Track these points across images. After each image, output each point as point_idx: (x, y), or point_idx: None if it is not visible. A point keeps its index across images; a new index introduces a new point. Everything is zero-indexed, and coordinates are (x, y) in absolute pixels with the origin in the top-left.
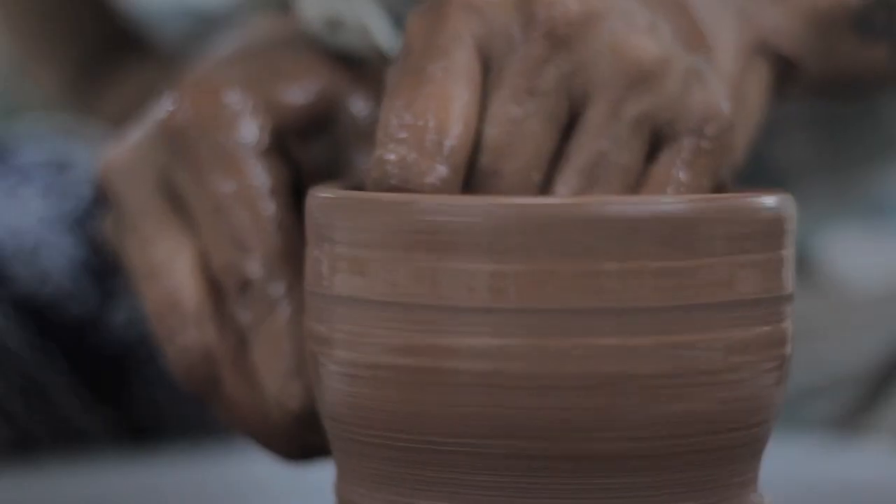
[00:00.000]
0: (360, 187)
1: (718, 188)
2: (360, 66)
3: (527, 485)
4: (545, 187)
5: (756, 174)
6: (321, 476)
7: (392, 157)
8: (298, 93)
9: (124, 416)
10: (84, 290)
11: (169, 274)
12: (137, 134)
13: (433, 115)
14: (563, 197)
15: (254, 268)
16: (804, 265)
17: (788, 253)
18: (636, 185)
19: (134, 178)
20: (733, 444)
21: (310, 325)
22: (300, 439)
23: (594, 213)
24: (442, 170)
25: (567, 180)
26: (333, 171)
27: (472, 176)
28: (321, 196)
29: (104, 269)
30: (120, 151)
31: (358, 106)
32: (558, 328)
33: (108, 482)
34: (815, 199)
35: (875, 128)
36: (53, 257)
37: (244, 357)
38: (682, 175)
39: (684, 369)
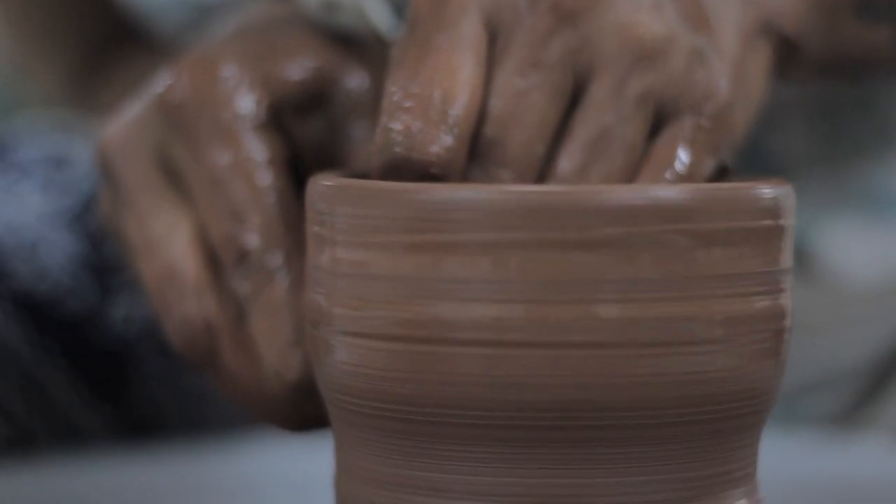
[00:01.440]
0: (361, 175)
1: (719, 167)
2: (357, 45)
3: (530, 456)
4: (548, 161)
5: (754, 166)
6: (320, 471)
7: (397, 125)
8: (295, 69)
9: (123, 412)
10: (83, 286)
11: (167, 247)
12: (135, 109)
13: (439, 85)
14: (565, 171)
15: (251, 239)
16: (802, 258)
17: (788, 237)
18: (638, 161)
19: (131, 153)
20: (734, 414)
21: (310, 297)
22: (299, 410)
23: (593, 200)
24: (447, 139)
25: (570, 155)
26: (329, 148)
27: (476, 147)
28: (322, 184)
29: (103, 266)
30: (117, 127)
31: (354, 83)
32: (558, 300)
33: (107, 479)
34: (814, 192)
35: (873, 120)
36: (52, 254)
37: (243, 329)
38: (683, 154)
39: (684, 340)
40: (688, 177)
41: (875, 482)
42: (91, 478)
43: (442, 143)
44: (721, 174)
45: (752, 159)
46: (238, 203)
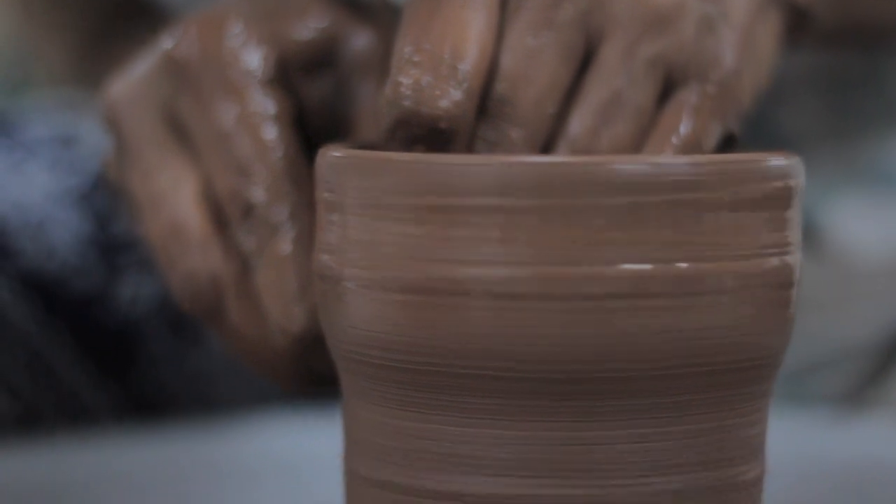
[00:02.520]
0: (370, 146)
1: (726, 135)
2: (365, 6)
3: (541, 407)
4: (559, 122)
5: (763, 140)
6: (327, 451)
7: (407, 80)
8: (302, 28)
9: (130, 391)
10: (90, 265)
11: (172, 202)
12: (142, 66)
13: (450, 40)
14: (577, 134)
15: (257, 193)
16: (810, 234)
17: (796, 204)
18: (647, 127)
19: (137, 110)
20: (741, 370)
21: (321, 254)
22: (303, 365)
23: (603, 171)
24: (456, 94)
25: (582, 118)
26: (336, 108)
27: (486, 105)
28: (332, 154)
29: (111, 245)
30: (124, 83)
31: (361, 43)
32: (567, 261)
33: (114, 457)
34: (822, 168)
35: (883, 95)
36: (59, 232)
37: (248, 283)
38: (690, 121)
39: (692, 297)
40: (694, 144)
41: (883, 461)
42: (97, 456)
43: (451, 97)
44: (728, 142)
45: (761, 134)
46: (244, 157)
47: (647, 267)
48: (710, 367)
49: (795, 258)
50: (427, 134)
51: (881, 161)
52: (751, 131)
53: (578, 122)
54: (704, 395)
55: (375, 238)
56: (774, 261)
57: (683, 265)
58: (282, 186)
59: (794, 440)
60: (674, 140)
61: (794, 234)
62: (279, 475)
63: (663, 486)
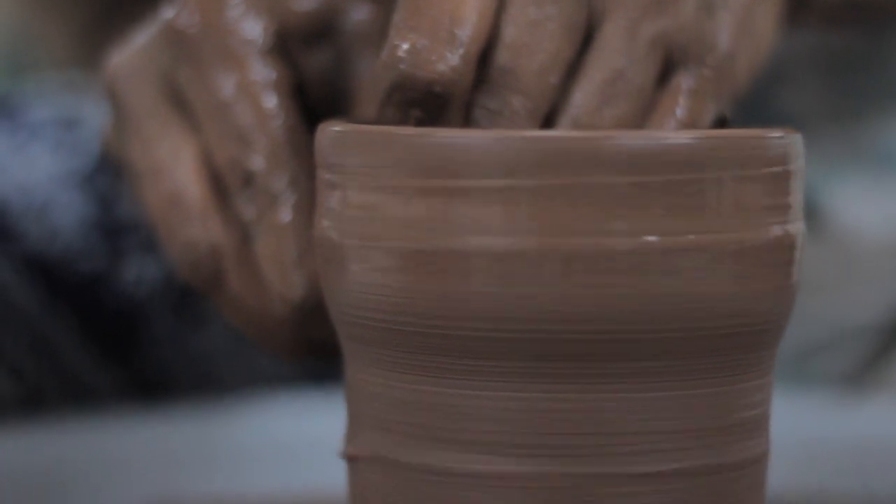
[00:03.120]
0: (370, 122)
1: (718, 118)
2: None
3: (544, 371)
4: (561, 97)
5: (765, 121)
6: (329, 432)
7: (404, 43)
8: (302, 0)
9: (133, 373)
10: (93, 247)
11: (172, 172)
12: (143, 38)
13: (448, 6)
14: (580, 112)
15: (257, 161)
16: (812, 216)
17: (798, 177)
18: (647, 107)
19: (137, 80)
20: (747, 332)
21: (322, 220)
22: (303, 333)
23: (604, 147)
24: (452, 59)
25: (585, 96)
26: (336, 81)
27: (489, 75)
28: (332, 130)
29: (114, 227)
30: (124, 55)
31: (361, 15)
32: (570, 228)
33: (117, 439)
34: (824, 149)
35: (885, 76)
36: (63, 214)
37: (248, 252)
38: (688, 104)
39: (696, 261)
40: (690, 126)
41: (886, 442)
42: (100, 438)
43: (447, 61)
44: (719, 124)
45: (762, 114)
46: (244, 126)
47: (651, 237)
48: (712, 332)
49: (797, 227)
50: (422, 98)
51: (883, 142)
52: (752, 112)
53: (581, 100)
54: (709, 360)
55: (376, 210)
56: (776, 229)
57: (686, 234)
58: (281, 155)
59: (797, 422)
60: (672, 123)
61: (796, 205)
62: (281, 457)
63: (667, 456)
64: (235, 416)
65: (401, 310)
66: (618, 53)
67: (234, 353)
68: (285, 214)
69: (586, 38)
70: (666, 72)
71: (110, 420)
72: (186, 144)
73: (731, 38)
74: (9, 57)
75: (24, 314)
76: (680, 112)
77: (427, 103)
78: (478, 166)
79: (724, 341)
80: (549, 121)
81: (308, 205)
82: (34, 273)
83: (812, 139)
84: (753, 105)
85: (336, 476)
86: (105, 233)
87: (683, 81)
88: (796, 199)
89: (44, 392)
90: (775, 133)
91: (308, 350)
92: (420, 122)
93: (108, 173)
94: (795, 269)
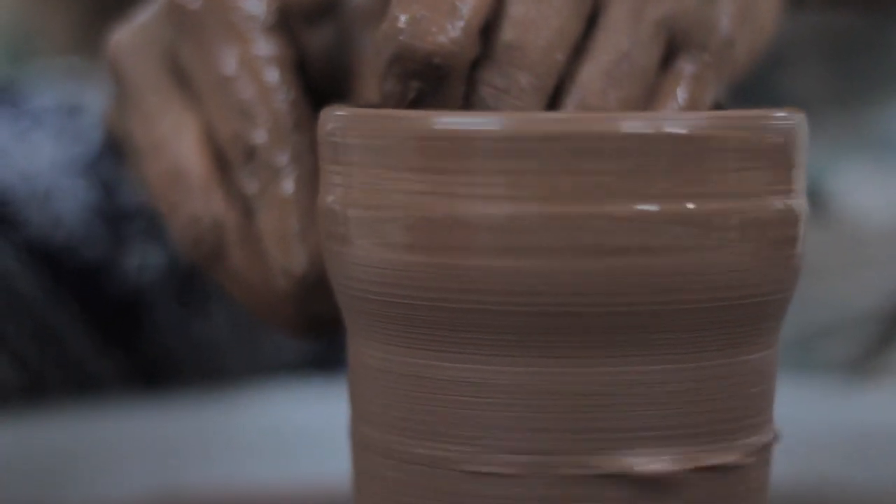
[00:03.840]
0: (372, 105)
1: (714, 103)
2: None
3: (549, 343)
4: (566, 77)
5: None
6: (333, 420)
7: (404, 14)
8: None
9: (136, 360)
10: (96, 234)
11: (174, 147)
12: (146, 15)
13: None
14: (587, 94)
15: (259, 135)
16: (815, 200)
17: (800, 156)
18: (650, 91)
19: (140, 56)
20: (751, 303)
21: (326, 194)
22: (306, 308)
23: (608, 128)
24: (453, 31)
25: (591, 77)
26: (338, 59)
27: (494, 51)
28: (335, 113)
29: (117, 214)
30: (127, 31)
31: None
32: (572, 200)
33: (120, 426)
34: (828, 133)
35: (888, 61)
36: (66, 201)
37: (250, 227)
38: (689, 89)
39: (700, 232)
40: (690, 111)
41: (891, 428)
42: (103, 425)
43: (448, 33)
44: (716, 109)
45: (766, 98)
46: (246, 100)
47: (654, 207)
48: (712, 305)
49: (800, 202)
50: (422, 69)
51: (887, 126)
52: (755, 96)
53: (587, 81)
54: (710, 333)
55: (379, 186)
56: (779, 204)
57: (689, 205)
58: (284, 129)
59: (801, 408)
60: (673, 107)
61: (799, 183)
62: (283, 444)
63: (671, 431)
64: (238, 403)
65: (403, 282)
66: (623, 35)
67: (237, 340)
68: (288, 188)
69: (590, 20)
70: (667, 56)
71: (113, 407)
72: (188, 120)
73: (731, 24)
74: (11, 45)
75: (27, 301)
76: (681, 97)
77: (427, 75)
78: (480, 151)
79: (724, 313)
80: (553, 100)
81: (310, 179)
82: (37, 260)
83: (815, 124)
84: (756, 89)
85: (339, 463)
86: (108, 220)
87: (685, 66)
88: (799, 177)
89: (46, 379)
90: (779, 113)
91: (310, 326)
92: (420, 95)
93: (111, 160)
94: (798, 243)
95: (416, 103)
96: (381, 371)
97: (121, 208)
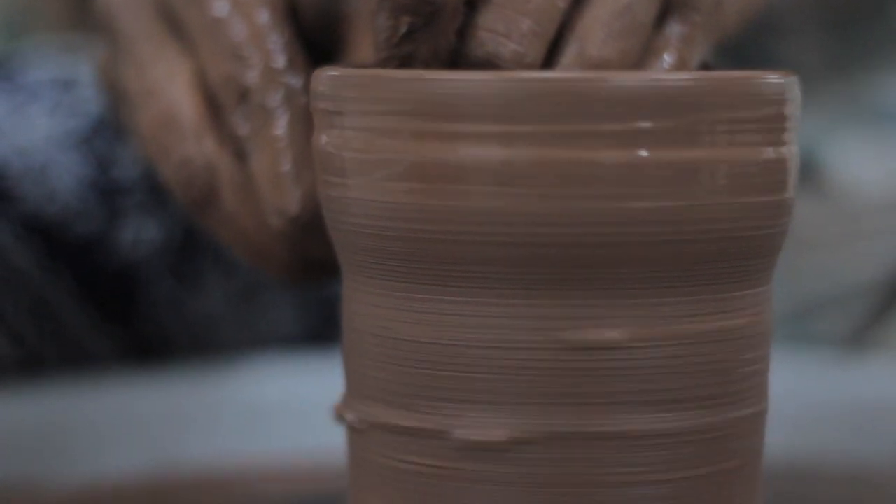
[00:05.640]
0: (367, 66)
1: (702, 64)
2: None
3: (538, 276)
4: (566, 26)
5: None
6: (327, 394)
7: None
8: None
9: (131, 335)
10: (91, 208)
11: (166, 92)
12: None
13: None
14: (587, 46)
15: (251, 76)
16: (811, 172)
17: (793, 118)
18: (646, 46)
19: (132, 5)
20: (741, 239)
21: (321, 135)
22: (299, 249)
23: (600, 88)
24: None
25: (592, 28)
26: (329, 6)
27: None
28: (328, 74)
29: (112, 188)
30: None
31: None
32: (564, 145)
33: (116, 401)
34: (824, 104)
35: (886, 31)
36: (61, 176)
37: (243, 170)
38: (678, 49)
39: (689, 174)
40: (678, 70)
41: (885, 402)
42: (100, 400)
43: None
44: (703, 70)
45: (763, 66)
46: (238, 42)
47: (644, 153)
48: (705, 237)
49: (791, 150)
50: (414, 4)
51: (882, 97)
52: (752, 63)
53: (588, 30)
54: (705, 267)
55: (374, 142)
56: (769, 153)
57: (679, 150)
58: (276, 70)
59: (797, 381)
60: (661, 67)
61: (790, 132)
62: (279, 418)
63: (670, 353)
64: (234, 377)
65: (399, 216)
66: None
67: (233, 315)
68: (281, 128)
69: None
70: (659, 14)
71: (108, 381)
72: (181, 66)
73: None
74: (6, 19)
75: (23, 276)
76: (669, 57)
77: (418, 10)
78: (475, 111)
79: (714, 247)
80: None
81: (303, 120)
82: (32, 235)
83: (812, 93)
84: (754, 57)
85: (334, 437)
86: (103, 194)
87: (676, 26)
88: (791, 136)
89: (42, 354)
90: (771, 75)
91: (303, 269)
92: (412, 30)
93: (106, 135)
94: (789, 186)
95: (408, 37)
96: (373, 316)
97: (116, 183)
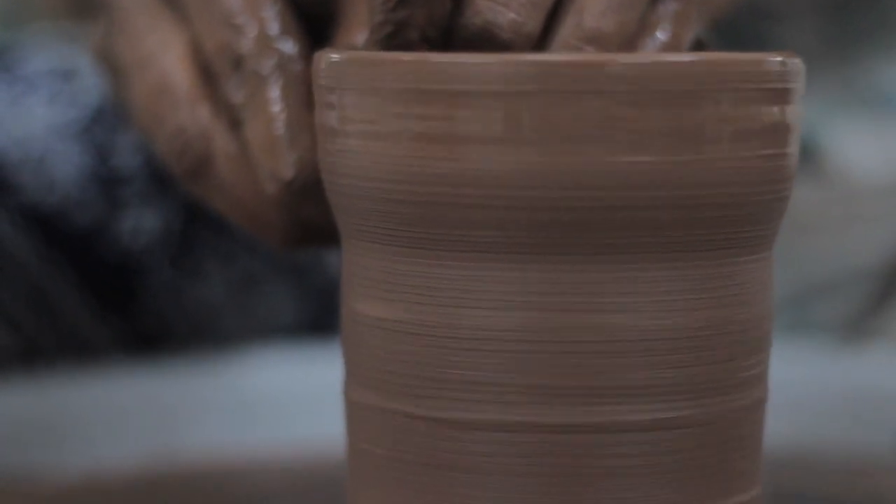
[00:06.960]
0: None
1: (696, 42)
2: None
3: (539, 240)
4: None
5: None
6: (327, 384)
7: None
8: None
9: (130, 325)
10: (91, 198)
11: (160, 61)
12: None
13: None
14: (586, 17)
15: (246, 44)
16: (811, 156)
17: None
18: (640, 21)
19: None
20: (742, 203)
21: (320, 104)
22: (293, 214)
23: (605, 70)
24: None
25: (590, 2)
26: None
27: None
28: (329, 57)
29: (111, 178)
30: None
31: None
32: (568, 104)
33: (115, 391)
34: (823, 88)
35: (883, 15)
36: (60, 166)
37: (237, 137)
38: (671, 26)
39: (692, 138)
40: (672, 48)
41: (884, 389)
42: (99, 390)
43: None
44: (697, 48)
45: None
46: (232, 10)
47: (647, 123)
48: (708, 201)
49: (794, 113)
50: None
51: (883, 81)
52: (751, 47)
53: (586, 2)
54: (707, 231)
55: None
56: (775, 112)
57: (684, 121)
58: (270, 37)
59: (796, 368)
60: (654, 45)
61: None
62: (279, 408)
63: (671, 335)
64: (233, 367)
65: (399, 177)
66: None
67: (232, 304)
68: (275, 95)
69: None
70: None
71: (108, 372)
72: (175, 36)
73: None
74: (4, 9)
75: (22, 266)
76: (663, 34)
77: None
78: (476, 90)
79: (717, 212)
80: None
81: (298, 86)
82: (32, 225)
83: (810, 78)
84: (752, 41)
85: (333, 426)
86: (102, 184)
87: (670, 3)
88: (794, 117)
89: (41, 343)
90: (774, 56)
91: (298, 235)
92: None
93: (106, 124)
94: (790, 147)
95: (403, 2)
96: (372, 280)
97: (115, 172)
